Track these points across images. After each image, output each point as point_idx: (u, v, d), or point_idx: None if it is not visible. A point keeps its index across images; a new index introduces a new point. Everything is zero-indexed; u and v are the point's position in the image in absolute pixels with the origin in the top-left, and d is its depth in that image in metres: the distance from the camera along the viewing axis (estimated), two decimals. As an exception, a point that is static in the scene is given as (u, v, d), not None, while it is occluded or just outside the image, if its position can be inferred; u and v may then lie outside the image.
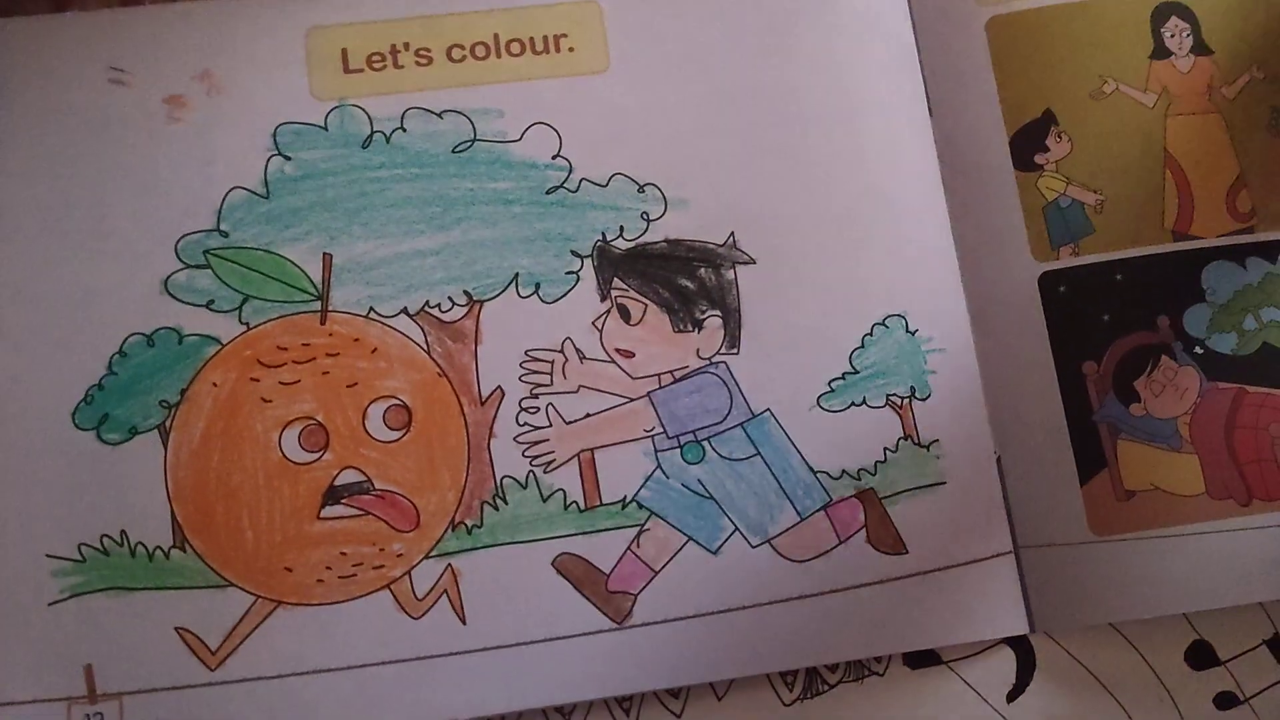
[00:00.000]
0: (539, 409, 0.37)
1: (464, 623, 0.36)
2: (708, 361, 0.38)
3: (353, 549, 0.36)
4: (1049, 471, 0.38)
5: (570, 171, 0.39)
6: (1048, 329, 0.39)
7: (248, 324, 0.37)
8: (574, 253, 0.39)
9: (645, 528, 0.37)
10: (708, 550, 0.37)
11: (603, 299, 0.38)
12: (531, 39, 0.40)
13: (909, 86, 0.41)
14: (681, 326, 0.39)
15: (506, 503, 0.37)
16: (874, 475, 0.38)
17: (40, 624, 0.35)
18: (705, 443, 0.38)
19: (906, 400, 0.38)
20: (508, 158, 0.39)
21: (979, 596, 0.37)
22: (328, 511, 0.37)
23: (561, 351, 0.38)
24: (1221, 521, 0.38)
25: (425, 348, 0.38)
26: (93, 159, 0.38)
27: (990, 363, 0.39)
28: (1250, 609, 0.39)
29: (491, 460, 0.37)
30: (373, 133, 0.39)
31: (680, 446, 0.38)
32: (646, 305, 0.39)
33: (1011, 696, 0.38)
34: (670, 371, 0.38)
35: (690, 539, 0.37)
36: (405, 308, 0.38)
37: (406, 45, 0.39)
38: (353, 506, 0.37)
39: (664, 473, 0.38)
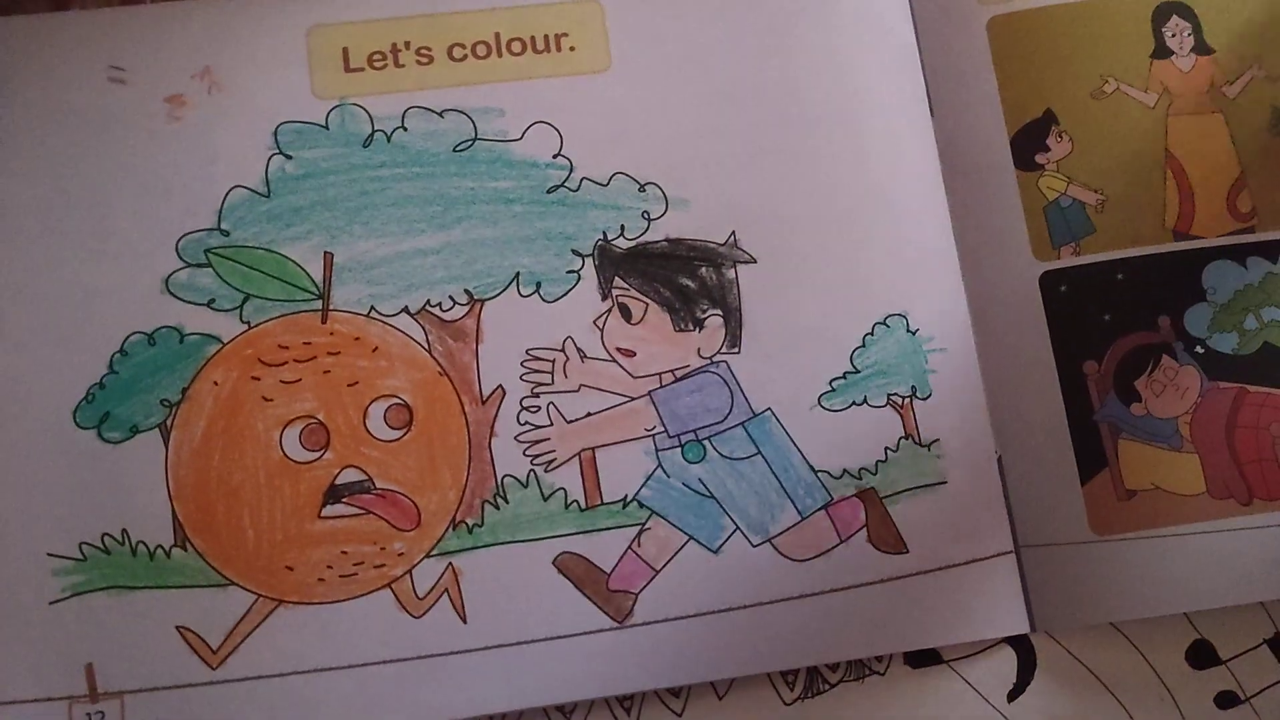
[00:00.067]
0: (540, 408, 0.37)
1: (465, 622, 0.36)
2: (709, 361, 0.38)
3: (354, 548, 0.36)
4: (1050, 471, 0.38)
5: (571, 171, 0.39)
6: (1049, 328, 0.39)
7: (249, 323, 0.37)
8: (575, 252, 0.39)
9: (646, 527, 0.37)
10: (709, 549, 0.37)
11: (604, 298, 0.38)
12: (532, 38, 0.40)
13: (910, 86, 0.41)
14: (682, 326, 0.39)
15: (507, 502, 0.37)
16: (875, 474, 0.38)
17: (41, 623, 0.35)
18: (706, 442, 0.38)
19: (907, 400, 0.38)
20: (509, 157, 0.39)
21: (980, 596, 0.37)
22: (329, 510, 0.37)
23: (562, 350, 0.38)
24: (1222, 521, 0.38)
25: (426, 347, 0.38)
26: (93, 158, 0.38)
27: (991, 362, 0.39)
28: (1251, 608, 0.39)
29: (492, 459, 0.37)
30: (374, 132, 0.39)
31: (681, 446, 0.38)
32: (647, 304, 0.39)
33: (1012, 696, 0.38)
34: (671, 371, 0.38)
35: (691, 538, 0.37)
36: (406, 307, 0.38)
37: (408, 44, 0.39)
38: (354, 505, 0.37)
39: (665, 472, 0.38)
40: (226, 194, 0.38)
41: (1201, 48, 0.42)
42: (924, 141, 0.40)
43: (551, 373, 0.38)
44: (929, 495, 0.38)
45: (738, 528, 0.37)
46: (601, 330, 0.38)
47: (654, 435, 0.38)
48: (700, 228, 0.39)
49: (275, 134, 0.38)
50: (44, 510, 0.36)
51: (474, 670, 0.36)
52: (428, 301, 0.38)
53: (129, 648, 0.35)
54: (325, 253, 0.38)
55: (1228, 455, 0.39)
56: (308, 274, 0.38)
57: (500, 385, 0.38)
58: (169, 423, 0.36)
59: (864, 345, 0.39)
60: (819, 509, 0.38)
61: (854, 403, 0.38)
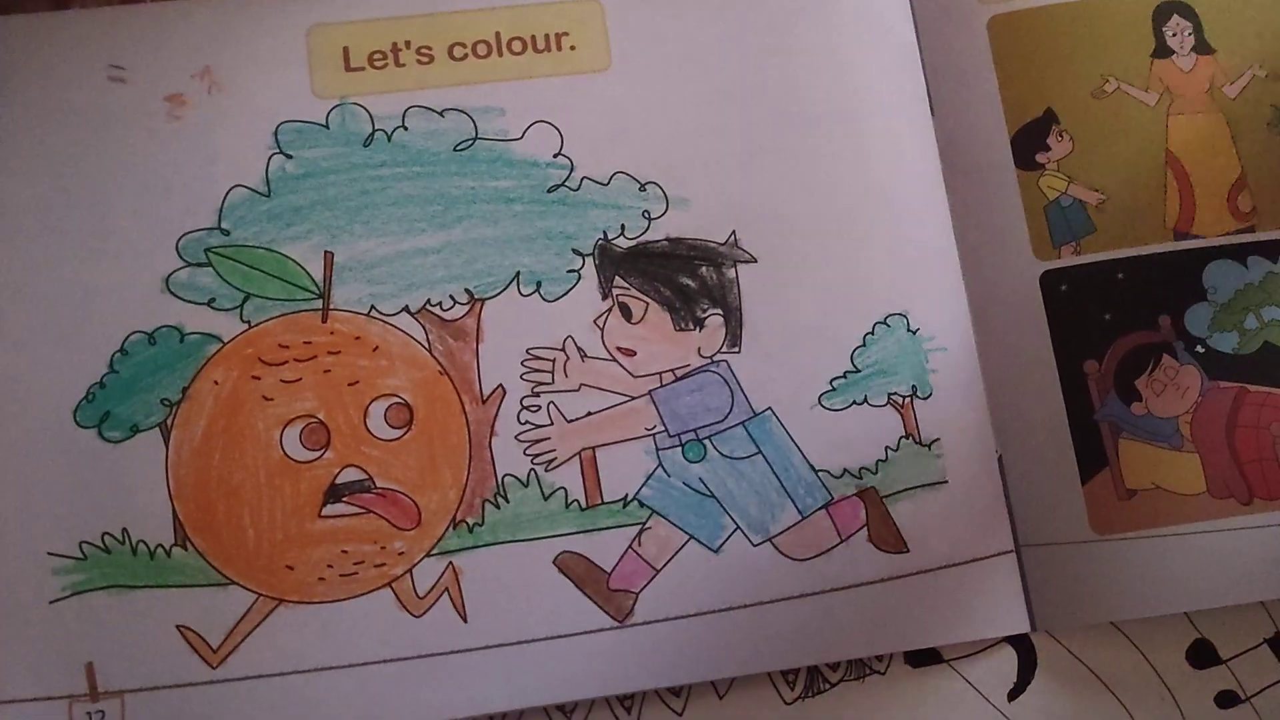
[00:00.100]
0: (540, 407, 0.37)
1: (465, 621, 0.36)
2: (709, 360, 0.38)
3: (354, 547, 0.36)
4: (1050, 470, 0.38)
5: (571, 170, 0.39)
6: (1049, 328, 0.39)
7: (249, 322, 0.37)
8: (575, 251, 0.38)
9: (646, 526, 0.37)
10: (709, 549, 0.37)
11: (604, 297, 0.38)
12: (533, 37, 0.40)
13: (910, 85, 0.41)
14: (683, 325, 0.39)
15: (508, 501, 0.37)
16: (875, 474, 0.38)
17: (41, 622, 0.35)
18: (706, 441, 0.38)
19: (908, 399, 0.38)
20: (509, 156, 0.39)
21: (980, 595, 0.37)
22: (329, 510, 0.37)
23: (563, 350, 0.38)
24: (1223, 520, 0.38)
25: (427, 346, 0.38)
26: (93, 157, 0.38)
27: (992, 361, 0.39)
28: (1251, 608, 0.39)
29: (493, 458, 0.37)
30: (374, 131, 0.39)
31: (681, 445, 0.38)
32: (648, 304, 0.39)
33: (1013, 695, 0.38)
34: (671, 370, 0.38)
35: (691, 537, 0.37)
36: (406, 306, 0.38)
37: (408, 43, 0.39)
38: (354, 505, 0.37)
39: (665, 471, 0.38)
40: (227, 193, 0.38)
41: (1202, 47, 0.42)
42: (924, 141, 0.40)
43: (552, 372, 0.38)
44: (929, 494, 0.38)
45: (738, 527, 0.37)
46: (602, 329, 0.38)
47: (654, 435, 0.38)
48: (701, 227, 0.39)
49: (275, 133, 0.38)
50: (44, 509, 0.36)
51: (474, 669, 0.36)
52: (428, 301, 0.38)
53: (129, 647, 0.35)
54: (326, 252, 0.38)
55: (1228, 455, 0.39)
56: (308, 273, 0.38)
57: (501, 384, 0.38)
58: (169, 422, 0.36)
59: (864, 344, 0.39)
60: (819, 508, 0.38)
61: (854, 402, 0.38)
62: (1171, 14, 0.42)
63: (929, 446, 0.38)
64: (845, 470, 0.38)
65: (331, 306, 0.38)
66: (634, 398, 0.38)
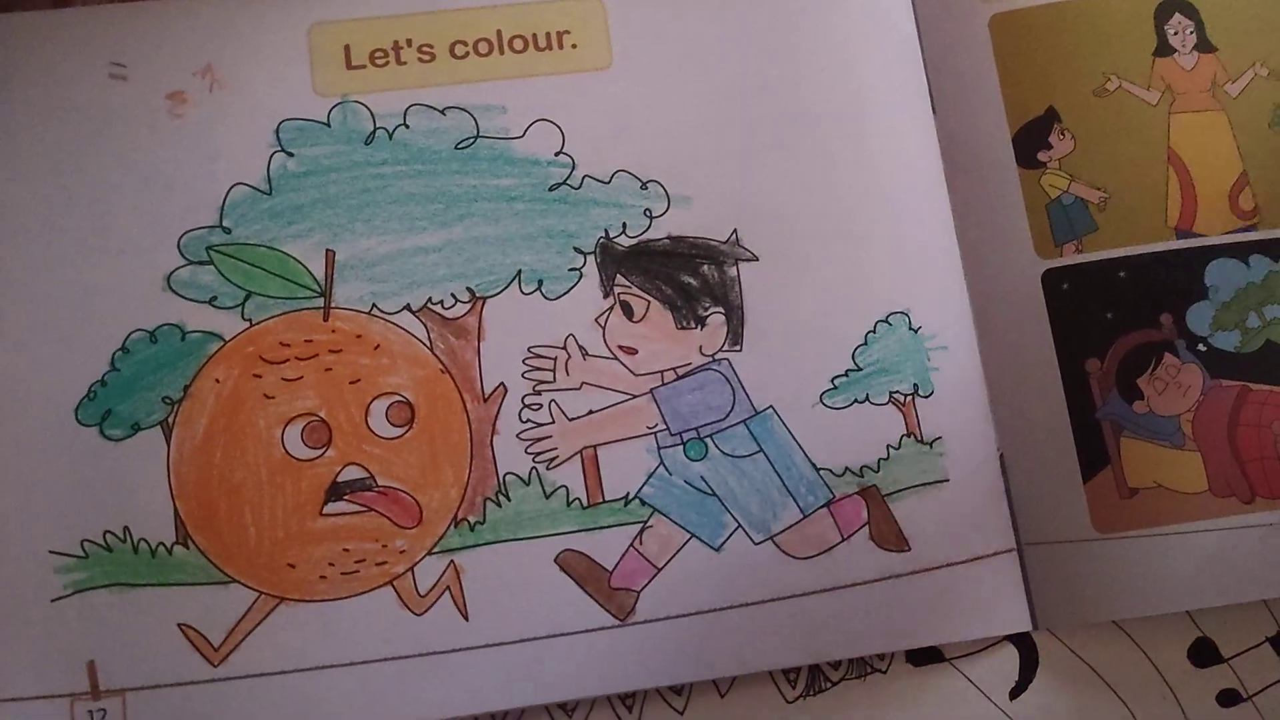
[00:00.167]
0: (542, 406, 0.37)
1: (466, 619, 0.36)
2: (710, 358, 0.38)
3: (355, 545, 0.36)
4: (1052, 469, 0.38)
5: (573, 168, 0.39)
6: (1051, 326, 0.39)
7: (250, 320, 0.37)
8: (577, 249, 0.38)
9: (648, 525, 0.37)
10: (710, 547, 0.37)
11: (605, 296, 0.38)
12: (534, 35, 0.40)
13: (912, 83, 0.41)
14: (684, 323, 0.39)
15: (509, 499, 0.37)
16: (877, 472, 0.38)
17: (43, 620, 0.35)
18: (708, 440, 0.38)
19: (909, 397, 0.38)
20: (510, 154, 0.39)
21: (982, 594, 0.37)
22: (330, 508, 0.37)
23: (564, 348, 0.38)
24: (1224, 519, 0.38)
25: (428, 344, 0.38)
26: (94, 155, 0.38)
27: (993, 360, 0.39)
28: (1253, 606, 0.39)
29: (494, 457, 0.37)
30: (375, 129, 0.39)
31: (683, 443, 0.38)
32: (649, 302, 0.39)
33: (1014, 694, 0.38)
34: (673, 368, 0.38)
35: (693, 536, 0.37)
36: (408, 304, 0.38)
37: (409, 41, 0.39)
38: (355, 503, 0.37)
39: (667, 469, 0.38)
40: (228, 191, 0.38)
41: (1204, 45, 0.42)
42: (926, 139, 0.40)
43: (553, 370, 0.38)
44: (931, 493, 0.38)
45: (739, 525, 0.37)
46: (603, 328, 0.38)
47: (656, 433, 0.38)
48: (702, 225, 0.39)
49: (277, 131, 0.38)
50: (46, 508, 0.36)
51: (475, 668, 0.36)
52: (429, 299, 0.38)
53: (131, 645, 0.35)
54: (327, 250, 0.38)
55: (1230, 453, 0.39)
56: (309, 271, 0.38)
57: (502, 383, 0.38)
58: (171, 420, 0.36)
59: (866, 343, 0.39)
60: (821, 507, 0.38)
61: (856, 400, 0.38)
62: (1173, 12, 0.42)
63: (930, 445, 0.38)
64: (847, 469, 0.38)
65: (333, 305, 0.38)
66: (635, 396, 0.38)
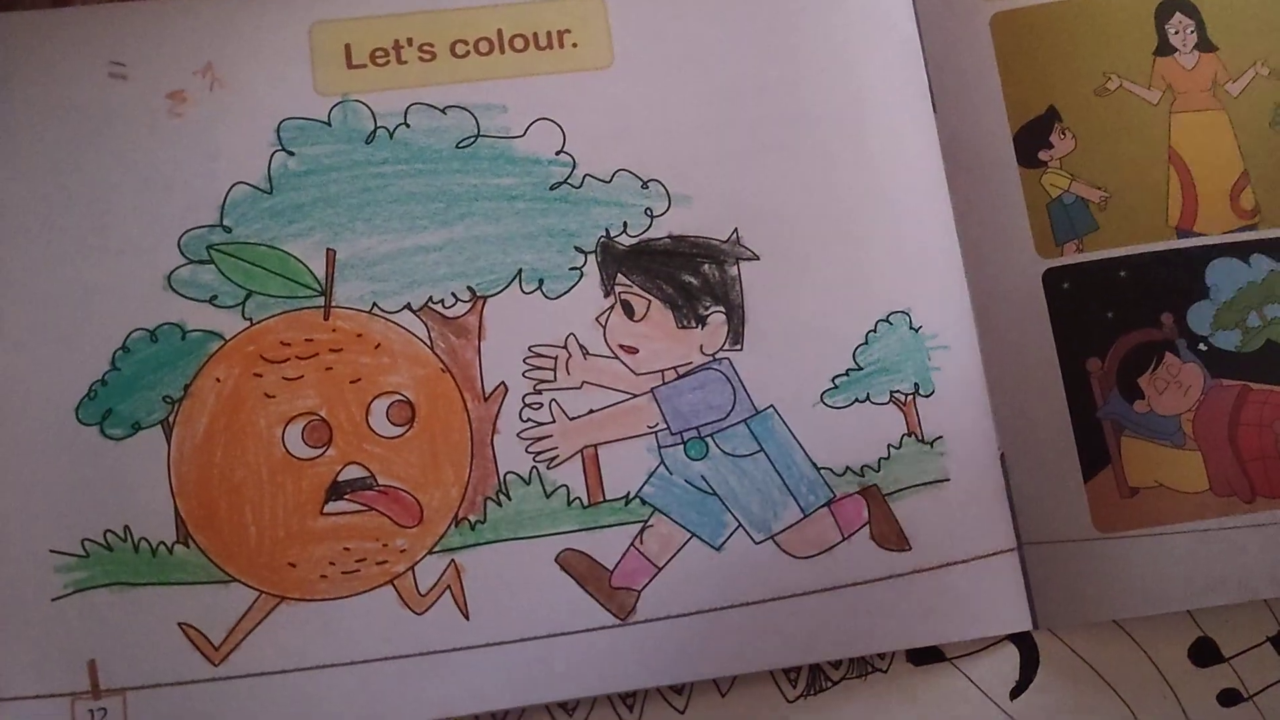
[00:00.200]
0: (542, 405, 0.37)
1: (467, 618, 0.36)
2: (711, 357, 0.38)
3: (356, 544, 0.36)
4: (1053, 468, 0.38)
5: (574, 167, 0.39)
6: (1051, 326, 0.39)
7: (251, 319, 0.37)
8: (577, 249, 0.38)
9: (648, 524, 0.37)
10: (711, 546, 0.37)
11: (606, 295, 0.38)
12: (535, 34, 0.40)
13: (913, 83, 0.41)
14: (685, 323, 0.39)
15: (510, 498, 0.37)
16: (877, 472, 0.38)
17: (43, 619, 0.35)
18: (709, 439, 0.38)
19: (910, 397, 0.38)
20: (511, 153, 0.39)
21: (982, 593, 0.37)
22: (331, 507, 0.37)
23: (565, 347, 0.38)
24: (1225, 518, 0.38)
25: (429, 343, 0.38)
26: (94, 154, 0.38)
27: (994, 359, 0.39)
28: (1254, 606, 0.39)
29: (495, 456, 0.37)
30: (376, 128, 0.39)
31: (684, 443, 0.38)
32: (650, 301, 0.39)
33: (1015, 693, 0.38)
34: (674, 368, 0.38)
35: (693, 535, 0.37)
36: (409, 303, 0.38)
37: (410, 40, 0.39)
38: (356, 502, 0.37)
39: (667, 469, 0.38)
40: (229, 190, 0.38)
41: (1205, 45, 0.42)
42: (927, 138, 0.40)
43: (554, 369, 0.38)
44: (932, 492, 0.38)
45: (740, 525, 0.37)
46: (604, 327, 0.38)
47: (656, 432, 0.38)
48: (703, 224, 0.39)
49: (277, 130, 0.38)
50: (46, 507, 0.36)
51: (476, 667, 0.36)
52: (430, 298, 0.38)
53: (131, 644, 0.35)
54: (328, 249, 0.38)
55: (1230, 453, 0.39)
56: (310, 270, 0.38)
57: (503, 382, 0.38)
58: (171, 419, 0.36)
59: (867, 342, 0.39)
60: (821, 506, 0.38)
61: (857, 400, 0.38)
62: (1174, 11, 0.42)
63: (931, 444, 0.38)
64: (847, 468, 0.38)
65: (334, 304, 0.38)
66: (636, 395, 0.38)
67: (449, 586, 0.36)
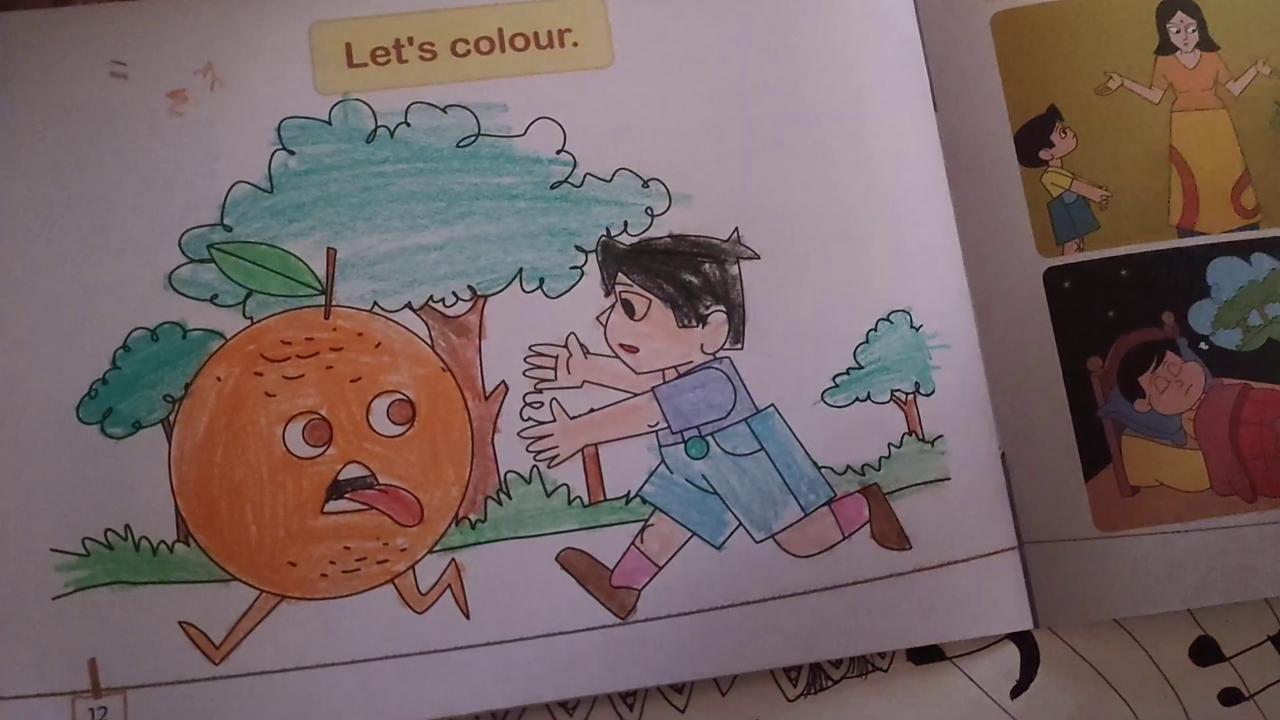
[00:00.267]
0: (543, 404, 0.37)
1: (467, 617, 0.36)
2: (712, 356, 0.38)
3: (356, 543, 0.36)
4: (1053, 467, 0.38)
5: (574, 166, 0.39)
6: (1052, 325, 0.39)
7: (251, 318, 0.37)
8: (578, 248, 0.38)
9: (649, 523, 0.37)
10: (711, 545, 0.37)
11: (607, 294, 0.38)
12: (535, 34, 0.40)
13: (914, 82, 0.41)
14: (685, 322, 0.39)
15: (510, 497, 0.37)
16: (878, 471, 0.38)
17: (44, 618, 0.35)
18: (709, 438, 0.38)
19: (911, 396, 0.38)
20: (512, 152, 0.39)
21: (983, 592, 0.37)
22: (331, 506, 0.37)
23: (565, 346, 0.38)
24: (1226, 517, 0.38)
25: (429, 342, 0.38)
26: (95, 153, 0.38)
27: (995, 358, 0.39)
28: (1255, 605, 0.39)
29: (495, 455, 0.37)
30: (377, 127, 0.39)
31: (684, 442, 0.38)
32: (651, 300, 0.39)
33: (1015, 692, 0.38)
34: (674, 367, 0.38)
35: (694, 534, 0.37)
36: (409, 302, 0.38)
37: (410, 39, 0.39)
38: (356, 501, 0.37)
39: (668, 468, 0.38)
40: (229, 189, 0.38)
41: (1206, 44, 0.42)
42: (927, 137, 0.40)
43: (554, 369, 0.38)
44: (932, 491, 0.38)
45: (740, 524, 0.37)
46: (604, 326, 0.38)
47: (657, 431, 0.38)
48: (703, 224, 0.39)
49: (278, 129, 0.38)
50: (47, 506, 0.36)
51: (476, 666, 0.36)
52: (431, 297, 0.38)
53: (132, 643, 0.35)
54: (328, 248, 0.38)
55: (1231, 452, 0.39)
56: (310, 270, 0.38)
57: (503, 381, 0.38)
58: (172, 418, 0.36)
59: (867, 341, 0.39)
60: (822, 505, 0.38)
61: (857, 399, 0.38)
62: (1175, 10, 0.42)
63: (932, 443, 0.38)
64: (848, 467, 0.38)
65: (334, 303, 0.38)
66: (636, 394, 0.38)
67: (449, 585, 0.36)
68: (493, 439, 0.37)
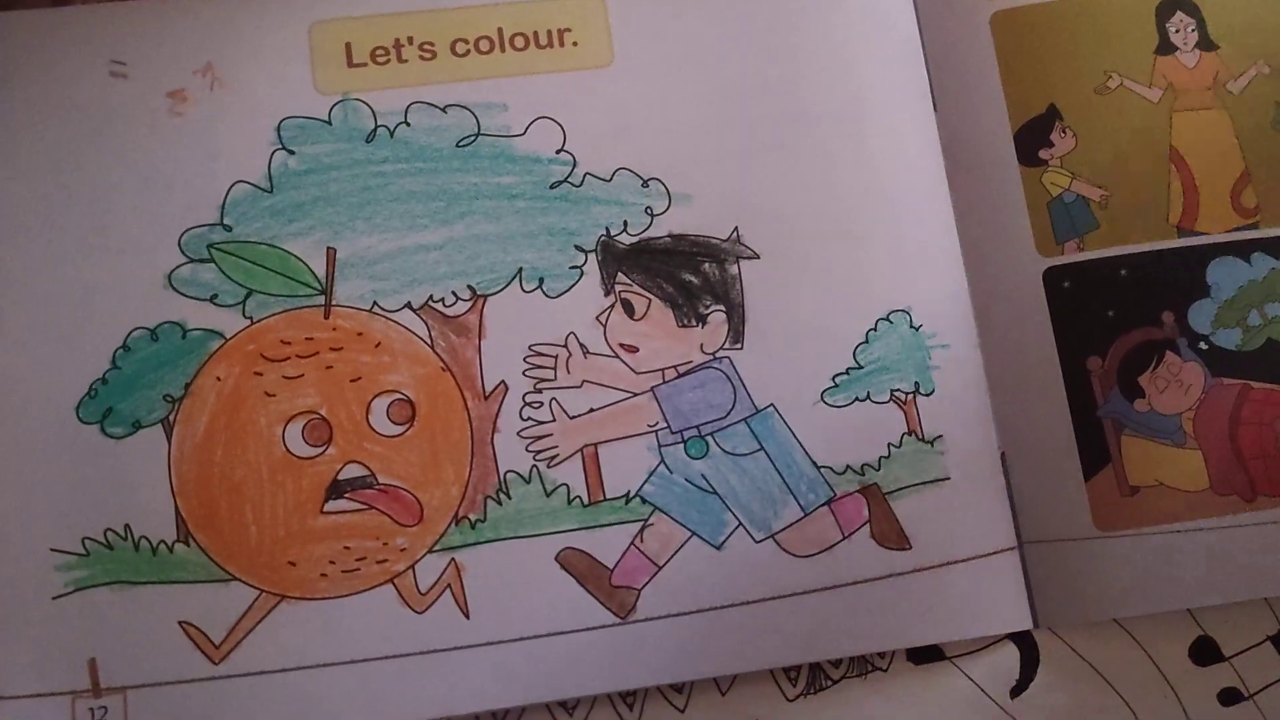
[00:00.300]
0: (543, 404, 0.37)
1: (467, 617, 0.36)
2: (711, 356, 0.38)
3: (356, 543, 0.36)
4: (1053, 467, 0.38)
5: (574, 166, 0.39)
6: (1052, 324, 0.39)
7: (251, 318, 0.37)
8: (578, 247, 0.38)
9: (649, 523, 0.37)
10: (711, 545, 0.37)
11: (606, 294, 0.38)
12: (535, 33, 0.40)
13: (913, 81, 0.41)
14: (685, 321, 0.39)
15: (510, 497, 0.37)
16: (878, 470, 0.38)
17: (44, 618, 0.35)
18: (709, 438, 0.38)
19: (910, 396, 0.38)
20: (511, 152, 0.39)
21: (983, 592, 0.37)
22: (331, 506, 0.37)
23: (565, 346, 0.38)
24: (1226, 517, 0.38)
25: (429, 342, 0.38)
26: (95, 153, 0.38)
27: (994, 358, 0.39)
28: (1255, 605, 0.39)
29: (495, 455, 0.37)
30: (376, 127, 0.39)
31: (684, 441, 0.38)
32: (650, 300, 0.39)
33: (1015, 692, 0.38)
34: (674, 366, 0.38)
35: (694, 534, 0.37)
36: (409, 302, 0.38)
37: (410, 39, 0.39)
38: (356, 501, 0.37)
39: (667, 468, 0.38)
40: (229, 189, 0.38)
41: (1206, 43, 0.42)
42: (927, 137, 0.40)
43: (554, 368, 0.38)
44: (932, 491, 0.38)
45: (740, 524, 0.37)
46: (604, 326, 0.38)
47: (657, 431, 0.38)
48: (703, 223, 0.39)
49: (278, 129, 0.38)
50: (47, 505, 0.36)
51: (476, 666, 0.36)
52: (430, 297, 0.38)
53: (132, 643, 0.35)
54: (328, 248, 0.38)
55: (1231, 451, 0.39)
56: (310, 269, 0.38)
57: (503, 381, 0.38)
58: (172, 418, 0.36)
59: (867, 341, 0.39)
60: (822, 505, 0.38)
61: (857, 398, 0.38)
62: (1175, 10, 0.42)
63: (931, 443, 0.38)
64: (848, 467, 0.38)
65: (334, 303, 0.38)
66: (636, 394, 0.38)
67: (449, 585, 0.36)
68: (492, 439, 0.37)
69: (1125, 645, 0.38)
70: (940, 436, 0.38)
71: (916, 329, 0.39)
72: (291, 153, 0.38)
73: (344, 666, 0.35)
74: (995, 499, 0.38)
